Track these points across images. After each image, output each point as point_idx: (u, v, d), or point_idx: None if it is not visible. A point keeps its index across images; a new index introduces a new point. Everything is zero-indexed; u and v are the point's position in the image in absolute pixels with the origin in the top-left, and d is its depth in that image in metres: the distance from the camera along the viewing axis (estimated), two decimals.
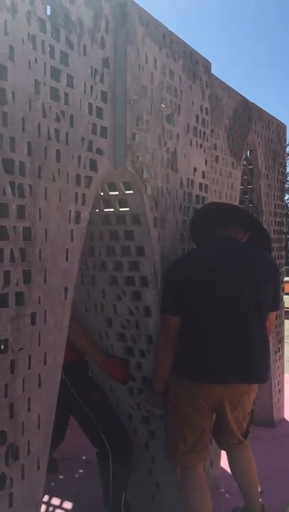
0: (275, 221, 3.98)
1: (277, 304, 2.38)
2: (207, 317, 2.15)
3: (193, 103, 2.58)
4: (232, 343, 2.14)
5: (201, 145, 2.66)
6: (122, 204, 2.27)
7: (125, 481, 2.45)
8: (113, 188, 2.24)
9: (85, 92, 1.85)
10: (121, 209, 2.28)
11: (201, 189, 2.67)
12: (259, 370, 2.22)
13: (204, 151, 2.70)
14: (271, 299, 2.29)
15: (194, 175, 2.60)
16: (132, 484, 2.54)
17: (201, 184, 2.67)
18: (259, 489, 2.48)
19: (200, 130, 2.65)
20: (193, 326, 2.17)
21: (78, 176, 1.82)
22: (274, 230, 3.95)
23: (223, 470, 2.94)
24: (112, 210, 2.31)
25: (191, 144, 2.57)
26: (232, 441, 2.38)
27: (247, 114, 3.44)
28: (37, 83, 1.61)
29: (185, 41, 2.48)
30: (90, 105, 1.88)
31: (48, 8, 1.67)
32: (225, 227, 2.35)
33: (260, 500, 2.50)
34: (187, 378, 2.19)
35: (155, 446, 2.51)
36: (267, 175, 3.81)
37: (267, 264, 2.28)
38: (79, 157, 1.82)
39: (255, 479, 2.47)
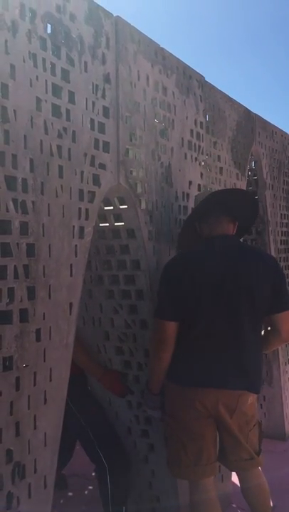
0: (282, 231, 3.97)
1: (285, 302, 2.19)
2: (201, 324, 2.10)
3: (187, 117, 2.59)
4: (226, 351, 2.11)
5: (196, 158, 2.67)
6: (118, 218, 2.28)
7: (124, 497, 2.42)
8: (108, 203, 2.25)
9: (86, 108, 1.86)
10: (116, 223, 2.29)
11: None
12: (252, 379, 2.18)
13: (200, 164, 2.70)
14: (276, 299, 2.16)
15: (190, 188, 2.60)
16: (132, 498, 2.51)
17: None
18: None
19: (195, 144, 2.66)
20: (189, 333, 2.13)
21: (81, 191, 1.83)
22: (281, 241, 3.93)
23: (235, 485, 2.88)
24: (108, 224, 2.31)
25: (185, 158, 2.57)
26: (243, 456, 2.22)
27: (250, 125, 3.44)
28: (38, 100, 1.63)
29: (181, 53, 2.52)
30: (92, 121, 1.89)
31: (49, 26, 1.69)
32: (211, 223, 2.25)
33: None
34: (184, 384, 2.15)
35: (155, 460, 2.49)
36: (272, 185, 3.81)
37: (263, 264, 2.17)
38: (82, 172, 1.83)
39: (269, 501, 2.34)
